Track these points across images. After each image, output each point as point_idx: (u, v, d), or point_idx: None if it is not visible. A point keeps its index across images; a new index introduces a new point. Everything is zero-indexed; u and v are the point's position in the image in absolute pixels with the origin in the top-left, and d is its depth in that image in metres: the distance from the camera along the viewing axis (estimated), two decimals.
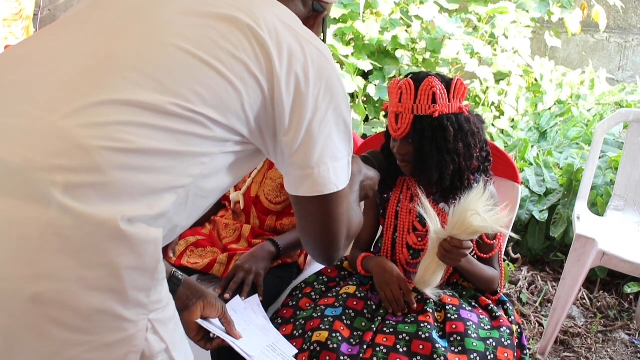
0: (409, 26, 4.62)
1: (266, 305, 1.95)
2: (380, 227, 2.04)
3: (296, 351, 1.64)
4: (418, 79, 1.82)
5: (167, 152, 1.02)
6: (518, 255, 3.29)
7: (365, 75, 4.58)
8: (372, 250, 2.04)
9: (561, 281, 2.63)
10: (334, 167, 1.18)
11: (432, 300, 1.82)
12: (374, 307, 1.85)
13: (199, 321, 1.40)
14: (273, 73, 1.09)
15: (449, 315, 1.78)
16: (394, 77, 4.58)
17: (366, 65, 4.43)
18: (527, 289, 3.17)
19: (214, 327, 1.42)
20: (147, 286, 1.03)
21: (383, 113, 4.52)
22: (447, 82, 1.83)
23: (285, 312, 1.89)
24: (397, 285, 1.83)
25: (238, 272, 1.93)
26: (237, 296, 1.82)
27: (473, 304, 1.88)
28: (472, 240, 1.82)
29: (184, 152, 1.04)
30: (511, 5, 4.50)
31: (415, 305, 1.81)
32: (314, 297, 1.93)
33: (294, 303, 1.90)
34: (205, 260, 2.08)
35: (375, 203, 2.01)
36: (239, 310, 1.68)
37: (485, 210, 1.70)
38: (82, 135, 0.96)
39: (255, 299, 1.81)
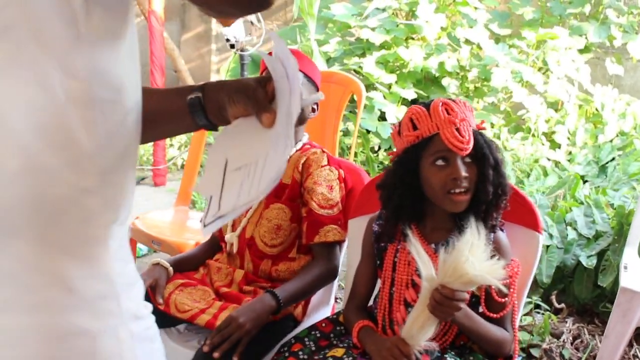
0: (455, 51, 4.37)
1: None
2: (378, 280, 1.80)
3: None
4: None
5: None
6: (562, 305, 2.97)
7: (410, 104, 4.35)
8: (370, 304, 1.81)
9: (604, 339, 2.32)
10: None
11: None
12: None
13: None
14: None
15: None
16: None
17: (410, 93, 4.21)
18: (572, 344, 2.83)
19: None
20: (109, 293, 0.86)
21: None
22: None
23: None
24: (397, 350, 1.56)
25: (231, 324, 1.74)
26: None
27: None
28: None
29: None
30: (564, 31, 4.18)
31: (414, 357, 1.54)
32: (301, 356, 1.71)
33: None
34: (195, 304, 1.91)
35: (372, 252, 1.78)
36: None
37: (482, 258, 1.45)
38: None
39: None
